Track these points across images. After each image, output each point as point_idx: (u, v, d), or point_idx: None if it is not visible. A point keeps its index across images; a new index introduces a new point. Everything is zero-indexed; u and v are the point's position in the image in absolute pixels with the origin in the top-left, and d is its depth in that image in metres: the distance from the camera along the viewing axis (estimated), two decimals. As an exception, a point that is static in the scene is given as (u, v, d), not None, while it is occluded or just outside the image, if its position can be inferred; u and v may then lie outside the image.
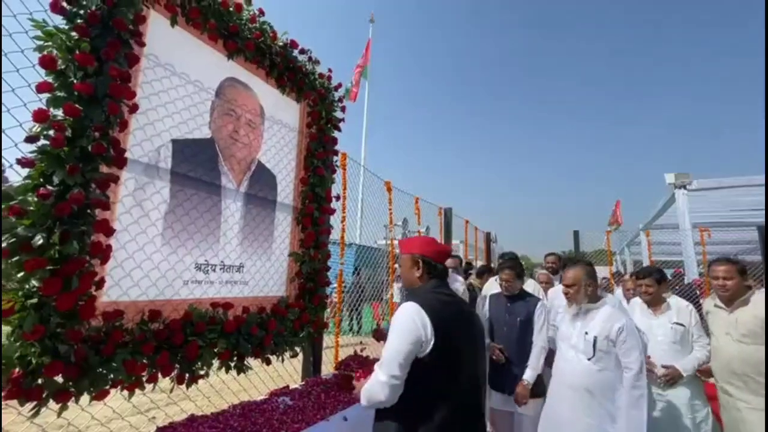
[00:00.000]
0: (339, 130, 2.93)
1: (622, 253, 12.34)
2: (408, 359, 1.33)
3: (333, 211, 2.82)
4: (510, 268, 2.84)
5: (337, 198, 2.91)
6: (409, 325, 1.35)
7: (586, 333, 2.13)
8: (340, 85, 2.91)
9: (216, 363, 1.91)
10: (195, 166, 1.99)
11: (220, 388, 2.55)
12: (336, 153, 2.94)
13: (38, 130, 1.36)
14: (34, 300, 1.26)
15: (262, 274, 2.36)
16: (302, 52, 2.58)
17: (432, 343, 1.34)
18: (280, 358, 2.30)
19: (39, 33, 1.41)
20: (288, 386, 2.31)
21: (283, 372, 2.81)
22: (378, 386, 1.33)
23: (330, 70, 2.82)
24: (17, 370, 1.24)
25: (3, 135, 1.37)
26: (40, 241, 1.28)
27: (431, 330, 1.35)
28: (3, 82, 1.37)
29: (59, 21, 1.46)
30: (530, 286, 3.46)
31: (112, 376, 1.47)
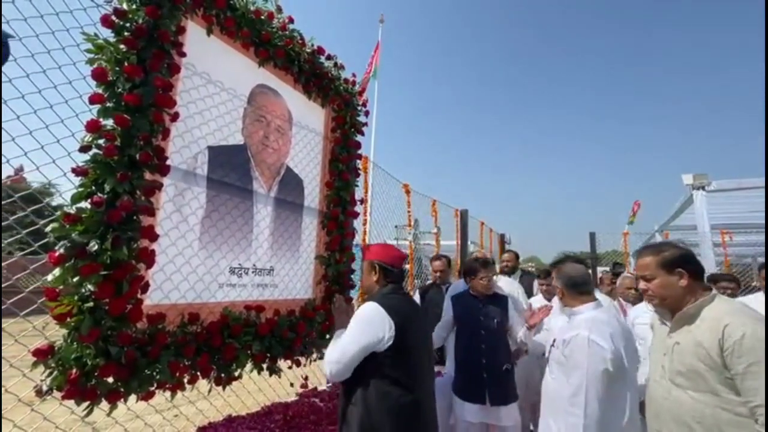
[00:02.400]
0: (362, 134, 2.96)
1: (635, 254, 12.18)
2: (363, 353, 1.48)
3: (357, 215, 2.86)
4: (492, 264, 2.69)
5: (361, 201, 2.94)
6: (371, 323, 1.51)
7: (554, 339, 1.95)
8: (363, 90, 2.94)
9: (249, 364, 1.96)
10: (229, 171, 2.04)
11: (236, 388, 2.56)
12: (359, 157, 2.97)
13: (90, 139, 1.42)
14: (90, 304, 1.31)
15: (290, 277, 2.40)
16: (328, 58, 2.61)
17: (393, 338, 1.49)
18: (309, 360, 2.35)
19: (90, 46, 1.46)
20: (316, 388, 2.35)
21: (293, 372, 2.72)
22: (327, 365, 1.53)
23: (354, 75, 2.86)
24: (74, 371, 1.30)
25: (57, 144, 1.42)
26: (95, 247, 1.33)
27: (391, 327, 1.50)
28: (57, 93, 1.43)
29: (107, 34, 1.51)
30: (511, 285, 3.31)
31: (158, 377, 1.52)
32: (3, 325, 1.33)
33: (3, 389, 1.33)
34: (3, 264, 1.31)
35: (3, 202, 1.32)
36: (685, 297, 1.49)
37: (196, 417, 2.37)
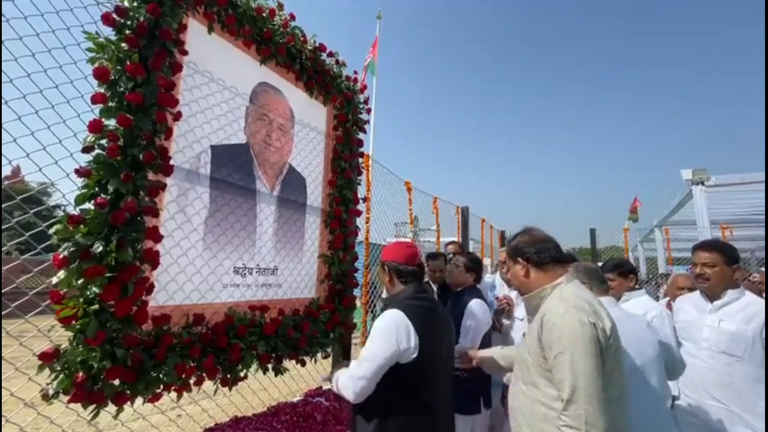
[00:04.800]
0: (364, 132, 2.95)
1: (635, 249, 12.22)
2: (386, 365, 1.37)
3: (360, 213, 2.84)
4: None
5: (364, 200, 2.93)
6: (393, 333, 1.39)
7: None
8: (365, 87, 2.92)
9: (254, 365, 1.95)
10: (232, 171, 2.02)
11: (240, 387, 2.45)
12: (362, 155, 2.95)
13: (92, 140, 1.40)
14: (96, 306, 1.30)
15: (294, 276, 2.39)
16: (330, 55, 2.59)
17: (416, 350, 1.38)
18: (313, 359, 2.34)
19: (91, 45, 1.44)
20: (321, 387, 2.35)
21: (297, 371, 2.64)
22: (350, 381, 1.39)
23: (356, 72, 2.84)
24: (80, 374, 1.28)
25: (58, 145, 1.41)
26: (99, 249, 1.32)
27: (415, 338, 1.39)
28: (59, 93, 1.41)
29: (108, 32, 1.49)
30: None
31: (165, 379, 1.50)
32: (7, 327, 1.31)
33: (8, 392, 1.32)
34: (3, 268, 1.29)
35: (3, 205, 1.30)
36: (530, 286, 1.39)
37: (198, 416, 2.36)
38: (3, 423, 1.29)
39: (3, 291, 1.21)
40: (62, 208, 1.47)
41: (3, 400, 1.23)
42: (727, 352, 1.84)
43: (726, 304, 1.92)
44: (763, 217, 7.41)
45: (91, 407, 1.35)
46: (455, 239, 4.72)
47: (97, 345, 1.30)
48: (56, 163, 1.38)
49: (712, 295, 1.99)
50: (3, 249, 1.35)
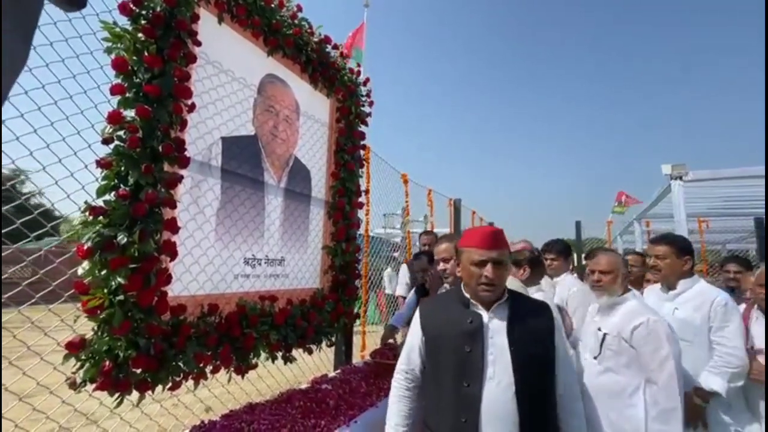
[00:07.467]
0: (366, 124, 2.97)
1: (614, 242, 12.64)
2: None
3: (362, 205, 2.89)
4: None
5: (366, 192, 2.97)
6: None
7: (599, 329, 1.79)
8: (368, 80, 2.94)
9: (264, 353, 1.99)
10: (241, 162, 2.03)
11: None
12: (364, 147, 2.98)
13: (111, 131, 1.39)
14: (121, 297, 1.31)
15: (299, 267, 2.43)
16: (335, 47, 2.60)
17: None
18: (319, 348, 2.40)
19: (106, 34, 1.43)
20: (327, 374, 2.41)
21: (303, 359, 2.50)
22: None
23: (359, 65, 2.85)
24: (107, 363, 1.30)
25: (77, 136, 1.40)
26: (124, 240, 1.33)
27: None
28: (76, 83, 1.40)
29: (123, 22, 1.47)
30: None
31: (185, 367, 1.54)
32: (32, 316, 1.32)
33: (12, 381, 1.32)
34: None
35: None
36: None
37: (194, 406, 2.37)
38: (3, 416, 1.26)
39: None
40: (38, 194, 1.47)
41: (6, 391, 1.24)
42: (679, 337, 1.83)
43: (680, 293, 2.05)
44: (733, 210, 7.76)
45: (81, 395, 1.35)
46: (435, 231, 4.69)
47: (122, 335, 1.32)
48: (75, 154, 1.38)
49: (668, 286, 2.12)
50: None
